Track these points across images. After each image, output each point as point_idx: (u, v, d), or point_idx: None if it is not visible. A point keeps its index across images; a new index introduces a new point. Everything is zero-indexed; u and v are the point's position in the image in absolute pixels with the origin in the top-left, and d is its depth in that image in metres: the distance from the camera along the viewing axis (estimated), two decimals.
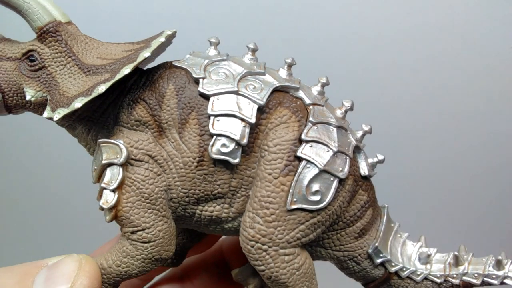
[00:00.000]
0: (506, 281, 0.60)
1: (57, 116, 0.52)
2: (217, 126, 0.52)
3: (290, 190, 0.52)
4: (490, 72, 1.22)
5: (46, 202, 1.44)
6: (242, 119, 0.52)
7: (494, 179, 1.30)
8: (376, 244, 0.60)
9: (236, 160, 0.53)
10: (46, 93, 0.55)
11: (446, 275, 0.62)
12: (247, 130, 0.52)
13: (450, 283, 0.63)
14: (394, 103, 1.27)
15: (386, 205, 0.63)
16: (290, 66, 0.58)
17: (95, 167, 0.54)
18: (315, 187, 0.53)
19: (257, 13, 1.17)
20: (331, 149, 0.54)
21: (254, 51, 0.58)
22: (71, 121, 0.58)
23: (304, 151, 0.53)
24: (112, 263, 0.53)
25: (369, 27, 1.22)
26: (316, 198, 0.53)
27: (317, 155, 0.53)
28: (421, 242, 0.65)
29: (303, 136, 0.53)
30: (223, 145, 0.52)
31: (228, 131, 0.52)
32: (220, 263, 0.75)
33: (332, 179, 0.54)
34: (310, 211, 0.53)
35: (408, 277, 0.63)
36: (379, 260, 0.61)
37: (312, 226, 0.54)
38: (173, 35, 0.57)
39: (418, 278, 0.63)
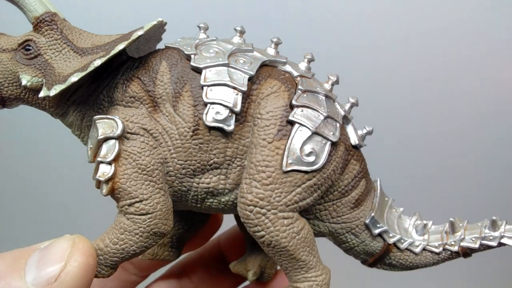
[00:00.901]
0: (503, 241, 0.60)
1: (53, 92, 0.53)
2: (210, 95, 0.54)
3: (285, 153, 0.54)
4: (491, 71, 1.26)
5: (42, 202, 1.42)
6: (234, 88, 0.54)
7: (482, 158, 1.31)
8: (373, 214, 0.61)
9: (231, 128, 0.54)
10: (41, 77, 0.56)
11: (444, 244, 0.63)
12: (239, 98, 0.54)
13: (449, 252, 0.63)
14: (383, 80, 1.28)
15: (379, 179, 0.64)
16: (276, 44, 0.61)
17: (91, 146, 0.55)
18: (309, 148, 0.54)
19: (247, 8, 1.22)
20: (321, 113, 0.56)
21: (241, 33, 0.61)
22: (65, 107, 0.59)
23: (296, 115, 0.55)
24: (109, 242, 0.53)
25: (367, 26, 1.26)
26: (310, 159, 0.54)
27: (308, 119, 0.55)
28: (416, 216, 0.66)
29: (293, 102, 0.55)
30: (217, 112, 0.54)
31: (221, 99, 0.54)
32: (217, 258, 0.74)
33: (324, 142, 0.55)
34: (306, 172, 0.54)
35: (407, 249, 0.63)
36: (377, 231, 0.61)
37: (308, 189, 0.55)
38: (163, 25, 0.60)
39: (417, 250, 0.63)
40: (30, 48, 0.57)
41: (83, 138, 0.61)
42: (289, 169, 0.53)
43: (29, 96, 0.58)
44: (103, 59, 0.53)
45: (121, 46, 0.54)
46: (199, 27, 0.62)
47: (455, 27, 1.25)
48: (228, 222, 0.75)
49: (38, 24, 0.57)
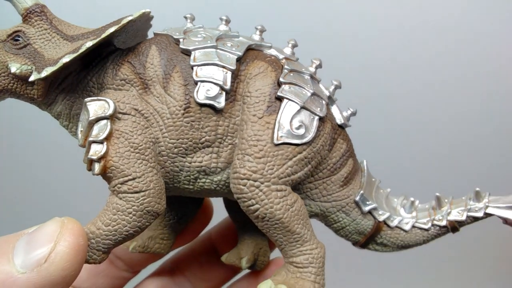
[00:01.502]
0: (488, 210, 0.62)
1: (44, 73, 0.53)
2: (200, 73, 0.56)
3: (275, 126, 0.55)
4: (491, 71, 1.29)
5: (36, 195, 1.41)
6: (223, 67, 0.56)
7: (464, 141, 1.34)
8: (362, 192, 0.62)
9: (221, 105, 0.55)
10: (31, 65, 0.57)
11: (432, 219, 0.64)
12: (229, 76, 0.56)
13: (438, 227, 0.64)
14: (367, 63, 1.30)
15: (365, 160, 0.66)
16: (261, 31, 0.63)
17: (81, 129, 0.55)
18: (298, 122, 0.56)
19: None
20: (307, 90, 0.58)
21: (227, 21, 0.63)
22: (54, 96, 0.59)
23: (284, 91, 0.57)
24: (101, 224, 0.52)
25: (366, 23, 1.29)
26: (300, 132, 0.55)
27: (296, 94, 0.57)
28: (402, 196, 0.67)
29: (281, 79, 0.57)
30: (208, 90, 0.55)
31: (211, 77, 0.55)
32: (209, 252, 0.73)
33: (312, 116, 0.57)
34: (297, 144, 0.55)
35: (397, 227, 0.64)
36: (367, 208, 0.62)
37: (299, 162, 0.56)
38: (150, 19, 0.62)
39: (407, 227, 0.64)
40: (19, 38, 0.57)
41: (72, 129, 0.61)
42: (280, 142, 0.55)
43: (18, 86, 0.58)
44: (94, 41, 0.54)
45: (111, 29, 0.55)
46: (185, 17, 0.64)
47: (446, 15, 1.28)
48: (219, 217, 0.75)
49: (28, 15, 0.58)
